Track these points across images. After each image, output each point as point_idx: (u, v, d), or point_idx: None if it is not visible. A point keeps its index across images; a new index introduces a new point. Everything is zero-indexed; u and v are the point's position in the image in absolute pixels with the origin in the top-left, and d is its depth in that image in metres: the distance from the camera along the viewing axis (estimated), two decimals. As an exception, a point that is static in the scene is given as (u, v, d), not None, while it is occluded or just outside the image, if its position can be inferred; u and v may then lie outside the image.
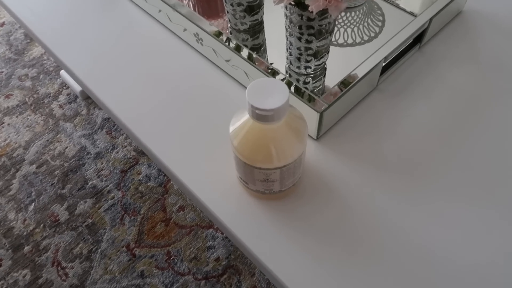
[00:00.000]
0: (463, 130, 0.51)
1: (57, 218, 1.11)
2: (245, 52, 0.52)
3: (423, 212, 0.45)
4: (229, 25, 0.60)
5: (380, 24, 0.59)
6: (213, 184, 0.47)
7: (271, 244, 0.43)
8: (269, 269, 0.41)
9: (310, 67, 0.52)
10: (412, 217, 0.44)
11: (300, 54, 0.51)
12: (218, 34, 0.54)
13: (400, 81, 0.56)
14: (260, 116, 0.34)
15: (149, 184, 1.17)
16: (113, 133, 1.29)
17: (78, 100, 1.37)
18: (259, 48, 0.58)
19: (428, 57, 0.58)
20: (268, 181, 0.41)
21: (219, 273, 1.01)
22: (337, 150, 0.50)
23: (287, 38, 0.52)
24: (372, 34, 0.58)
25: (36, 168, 1.21)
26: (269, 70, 0.51)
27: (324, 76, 0.55)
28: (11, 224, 1.09)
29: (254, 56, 0.52)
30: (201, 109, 0.55)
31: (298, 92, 0.48)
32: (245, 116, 0.38)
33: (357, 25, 0.60)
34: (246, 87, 0.56)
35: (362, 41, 0.57)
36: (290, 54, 0.53)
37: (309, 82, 0.55)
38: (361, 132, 0.51)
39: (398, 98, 0.54)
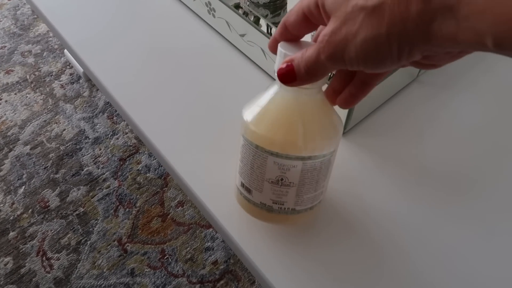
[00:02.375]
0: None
1: (47, 204, 1.05)
2: (263, 24, 0.44)
3: (468, 236, 0.36)
4: (247, -5, 0.51)
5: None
6: (214, 179, 0.39)
7: (273, 254, 0.34)
8: (269, 281, 0.33)
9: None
10: (456, 242, 0.35)
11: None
12: (236, 7, 0.46)
13: (444, 73, 0.49)
14: None
15: (148, 175, 1.10)
16: (114, 118, 1.22)
17: (81, 81, 1.30)
18: (280, 23, 0.49)
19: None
20: (283, 184, 0.30)
21: (215, 277, 0.94)
22: (365, 148, 0.41)
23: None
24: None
25: (30, 149, 1.15)
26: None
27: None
28: (-2, 207, 1.03)
29: (274, 27, 0.43)
30: (208, 92, 0.46)
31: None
32: (266, 96, 0.30)
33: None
34: (262, 68, 0.48)
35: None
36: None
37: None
38: (395, 129, 0.44)
39: (441, 91, 0.48)
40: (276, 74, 0.27)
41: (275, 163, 0.30)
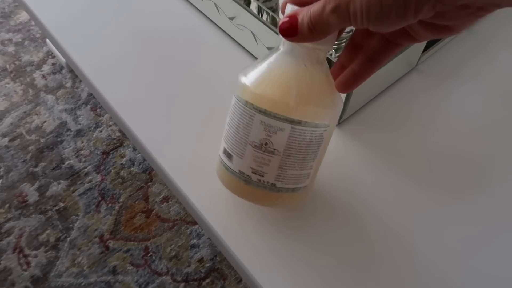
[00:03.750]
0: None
1: (25, 198, 1.01)
2: (254, 6, 0.41)
3: (470, 234, 0.33)
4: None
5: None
6: (197, 169, 0.36)
7: (257, 249, 0.31)
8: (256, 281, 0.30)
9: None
10: (456, 242, 0.33)
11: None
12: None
13: (444, 61, 0.47)
14: None
15: (132, 169, 1.06)
16: (98, 110, 1.17)
17: (63, 71, 1.25)
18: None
19: (477, 36, 0.48)
20: (266, 150, 0.28)
21: (201, 276, 0.91)
22: (360, 139, 0.39)
23: None
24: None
25: (9, 141, 1.10)
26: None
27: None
28: (-27, 201, 0.98)
29: (266, 10, 0.40)
30: (194, 79, 0.43)
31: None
32: (266, 57, 0.29)
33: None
34: (252, 54, 0.45)
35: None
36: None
37: (331, 54, 0.43)
38: (392, 120, 0.42)
39: (442, 82, 0.45)
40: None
41: (262, 123, 0.28)
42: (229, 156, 0.30)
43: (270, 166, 0.29)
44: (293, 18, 0.25)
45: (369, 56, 0.27)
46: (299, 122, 0.27)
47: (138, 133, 0.39)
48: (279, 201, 0.31)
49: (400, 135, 0.40)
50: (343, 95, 0.37)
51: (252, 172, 0.29)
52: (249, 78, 0.29)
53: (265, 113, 0.27)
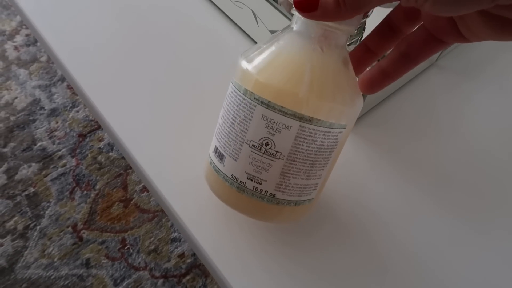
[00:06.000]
0: None
1: None
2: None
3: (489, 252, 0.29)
4: None
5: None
6: (184, 172, 0.30)
7: (250, 269, 0.26)
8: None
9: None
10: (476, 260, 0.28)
11: None
12: None
13: (467, 57, 0.42)
14: None
15: (110, 154, 1.00)
16: (75, 88, 1.09)
17: (38, 44, 1.16)
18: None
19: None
20: (266, 152, 0.23)
21: (181, 272, 0.87)
22: (373, 142, 0.34)
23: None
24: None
25: (-25, 118, 1.01)
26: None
27: (361, 39, 0.38)
28: None
29: (274, -16, 0.34)
30: (185, 65, 0.37)
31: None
32: (274, 37, 0.24)
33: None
34: (251, 38, 0.39)
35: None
36: None
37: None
38: (407, 121, 0.37)
39: (463, 80, 0.41)
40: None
41: (264, 118, 0.23)
42: (220, 156, 0.25)
43: (270, 172, 0.24)
44: None
45: (403, 51, 0.22)
46: (309, 120, 0.22)
47: (111, 120, 0.32)
48: (278, 216, 0.25)
49: (415, 139, 0.35)
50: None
51: (248, 178, 0.24)
52: (252, 62, 0.24)
53: (268, 105, 0.22)
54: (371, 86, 0.24)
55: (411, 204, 0.31)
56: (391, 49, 0.23)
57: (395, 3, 0.22)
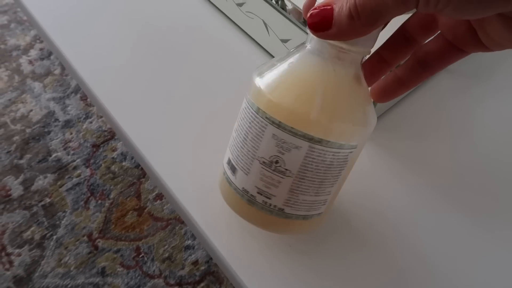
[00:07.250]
0: None
1: (9, 192, 0.96)
2: (270, -12, 0.35)
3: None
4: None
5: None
6: (199, 179, 0.31)
7: (264, 275, 0.26)
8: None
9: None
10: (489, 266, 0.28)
11: None
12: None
13: (479, 60, 0.42)
14: None
15: (124, 164, 1.01)
16: (88, 99, 1.12)
17: (51, 57, 1.19)
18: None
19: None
20: (276, 169, 0.23)
21: (195, 279, 0.88)
22: (383, 147, 0.34)
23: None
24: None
25: (-8, 131, 1.04)
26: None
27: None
28: (-48, 194, 0.94)
29: (284, -6, 0.35)
30: (196, 76, 0.38)
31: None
32: (288, 56, 0.24)
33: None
34: (262, 47, 0.39)
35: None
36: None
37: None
38: (419, 126, 0.37)
39: (475, 84, 0.41)
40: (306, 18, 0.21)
41: (274, 137, 0.23)
42: (233, 168, 0.26)
43: (280, 188, 0.24)
44: (327, 9, 0.19)
45: (420, 59, 0.22)
46: (319, 141, 0.22)
47: (128, 130, 0.33)
48: (287, 229, 0.26)
49: (428, 144, 0.35)
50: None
51: (258, 192, 0.25)
52: (264, 79, 0.24)
53: (279, 125, 0.23)
54: (384, 94, 0.24)
55: (426, 208, 0.31)
56: (405, 59, 0.23)
57: (412, 11, 0.22)
